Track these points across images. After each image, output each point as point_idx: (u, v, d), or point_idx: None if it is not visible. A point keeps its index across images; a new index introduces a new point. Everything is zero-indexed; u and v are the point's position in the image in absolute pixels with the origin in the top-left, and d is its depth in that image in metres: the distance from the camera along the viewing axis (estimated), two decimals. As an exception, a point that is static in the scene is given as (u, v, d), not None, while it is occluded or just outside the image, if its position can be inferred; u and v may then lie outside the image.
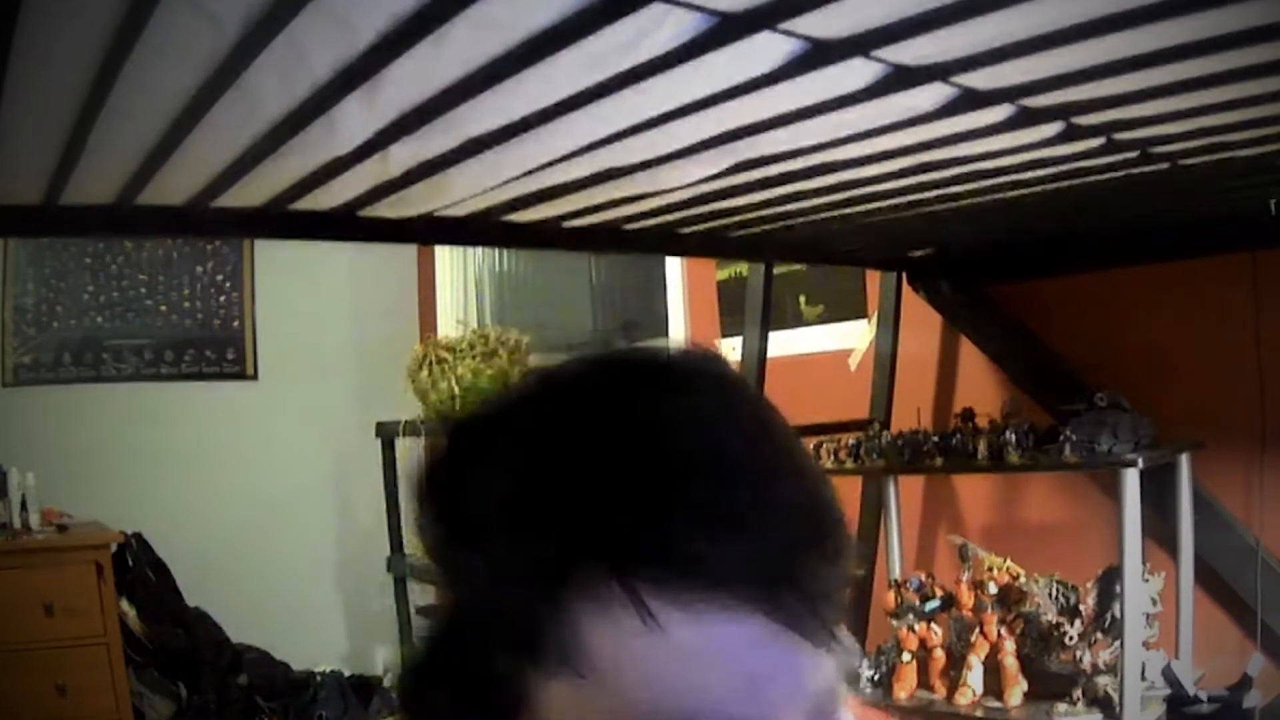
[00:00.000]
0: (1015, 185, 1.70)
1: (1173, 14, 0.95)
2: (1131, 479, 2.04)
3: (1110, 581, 2.17)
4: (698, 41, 0.96)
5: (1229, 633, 2.37)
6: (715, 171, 1.49)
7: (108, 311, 4.15)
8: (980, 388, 2.75)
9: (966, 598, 2.31)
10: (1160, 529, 2.34)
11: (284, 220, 1.62)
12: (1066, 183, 1.69)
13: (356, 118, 1.13)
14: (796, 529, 0.46)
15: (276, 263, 4.37)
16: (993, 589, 2.28)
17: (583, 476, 0.46)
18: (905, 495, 2.79)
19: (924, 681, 2.36)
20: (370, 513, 4.14)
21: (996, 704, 2.24)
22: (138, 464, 4.02)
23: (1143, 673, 2.14)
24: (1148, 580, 2.21)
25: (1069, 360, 2.61)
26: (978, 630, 2.27)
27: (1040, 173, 1.61)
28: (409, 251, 4.63)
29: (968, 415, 2.43)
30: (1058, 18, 0.95)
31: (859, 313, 3.08)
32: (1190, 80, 1.15)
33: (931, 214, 1.92)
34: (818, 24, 0.94)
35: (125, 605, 3.57)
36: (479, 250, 4.54)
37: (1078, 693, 2.16)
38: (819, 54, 1.01)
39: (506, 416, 0.51)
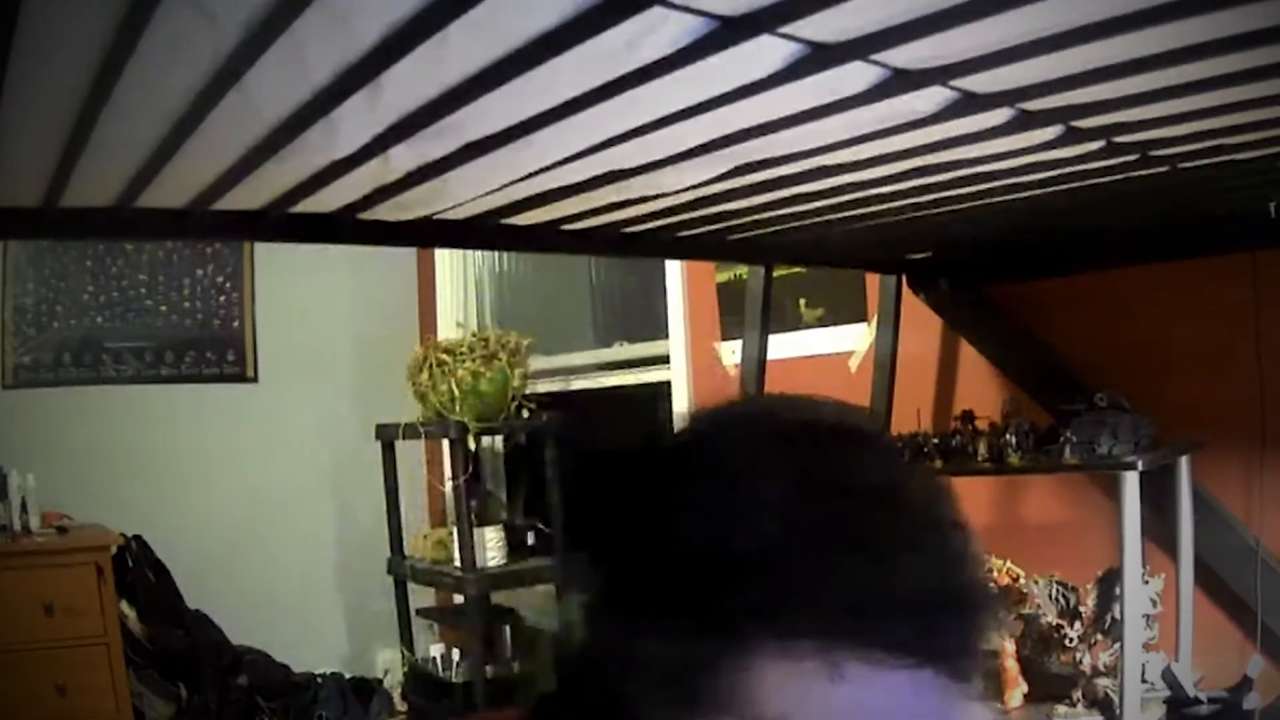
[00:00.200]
0: (1015, 188, 1.70)
1: (1172, 17, 0.95)
2: (1131, 480, 2.04)
3: (1110, 583, 2.17)
4: (697, 45, 0.96)
5: (1229, 634, 2.37)
6: (715, 174, 1.49)
7: (108, 312, 4.15)
8: (980, 389, 2.75)
9: (967, 599, 2.30)
10: (1160, 530, 2.34)
11: (285, 223, 1.62)
12: (1066, 185, 1.69)
13: (357, 120, 1.13)
14: (958, 585, 0.50)
15: (276, 264, 4.38)
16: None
17: (770, 534, 0.47)
18: (905, 496, 2.78)
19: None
20: (370, 514, 4.14)
21: (997, 705, 2.24)
22: (138, 465, 4.02)
23: (1143, 674, 2.14)
24: (1148, 581, 2.21)
25: (1069, 360, 2.62)
26: (978, 631, 2.27)
27: (1040, 175, 1.61)
28: (409, 253, 4.64)
29: (968, 417, 2.43)
30: (1057, 21, 0.95)
31: (859, 315, 3.08)
32: (1190, 83, 1.16)
33: (931, 217, 1.92)
34: (817, 27, 0.94)
35: (125, 606, 3.58)
36: (479, 252, 4.54)
37: (1078, 694, 2.16)
38: (818, 57, 1.01)
39: (684, 464, 0.52)
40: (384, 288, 4.65)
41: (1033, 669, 2.25)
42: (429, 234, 1.79)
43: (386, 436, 3.96)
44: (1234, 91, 1.20)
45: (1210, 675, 2.25)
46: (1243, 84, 1.17)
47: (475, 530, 3.67)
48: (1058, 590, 2.26)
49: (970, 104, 1.19)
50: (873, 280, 2.96)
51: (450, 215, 1.69)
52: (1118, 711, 2.07)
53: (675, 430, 0.55)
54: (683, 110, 1.17)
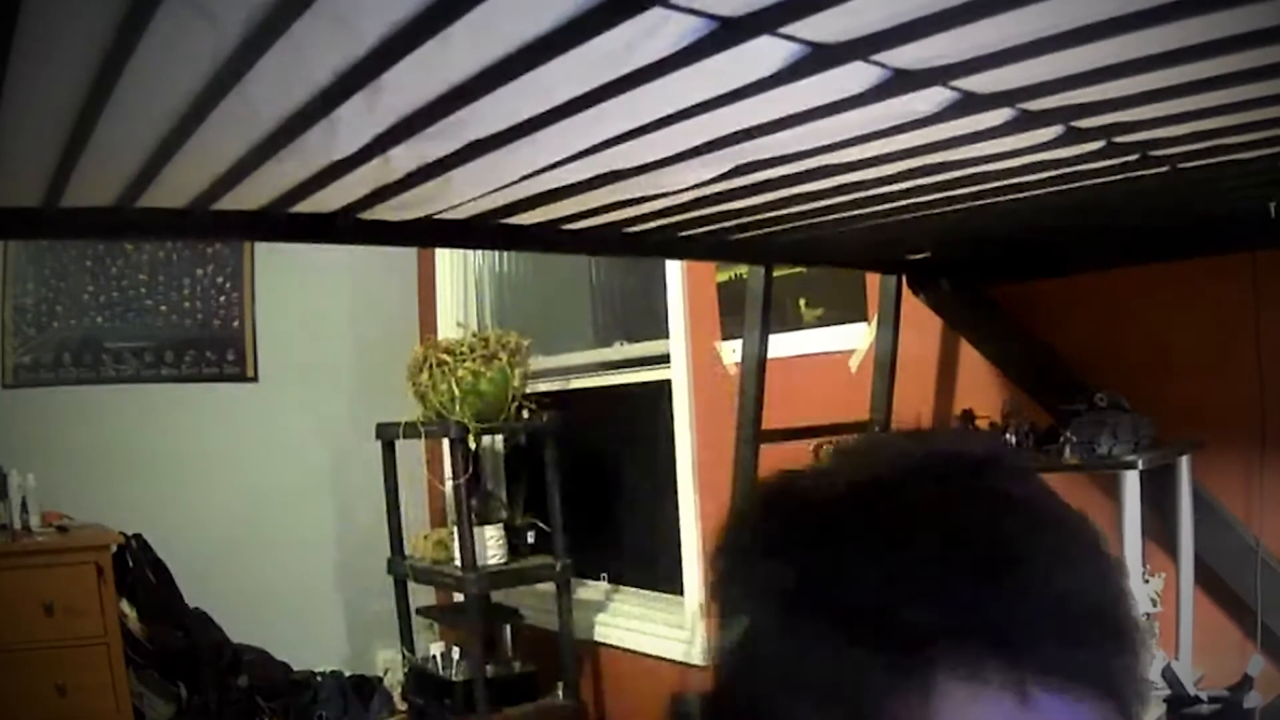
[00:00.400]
0: (1015, 188, 1.70)
1: (1172, 17, 0.95)
2: (1131, 480, 2.04)
3: (1110, 583, 2.16)
4: (697, 45, 0.96)
5: (1229, 633, 2.37)
6: (715, 175, 1.49)
7: (108, 312, 4.15)
8: (980, 389, 2.75)
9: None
10: (1160, 530, 2.34)
11: (285, 223, 1.62)
12: (1066, 185, 1.69)
13: (357, 120, 1.13)
14: (1131, 622, 0.52)
15: (276, 264, 4.38)
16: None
17: (958, 565, 0.49)
18: (905, 496, 2.78)
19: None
20: (370, 513, 4.14)
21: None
22: (138, 465, 4.02)
23: (1143, 674, 2.14)
24: (1148, 581, 2.21)
25: (1069, 360, 2.61)
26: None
27: (1040, 175, 1.61)
28: (409, 253, 4.64)
29: (968, 417, 2.43)
30: (1058, 21, 0.95)
31: (859, 315, 3.08)
32: (1190, 83, 1.16)
33: (931, 217, 1.92)
34: (817, 28, 0.94)
35: (125, 606, 3.58)
36: (479, 252, 4.54)
37: (1078, 694, 2.16)
38: (818, 58, 1.01)
39: (860, 498, 0.53)
40: (384, 288, 4.66)
41: (1033, 669, 2.25)
42: (429, 234, 1.79)
43: (387, 436, 3.97)
44: (1234, 91, 1.20)
45: (1210, 674, 2.25)
46: (1243, 84, 1.17)
47: (475, 529, 3.67)
48: (1058, 590, 2.26)
49: (970, 104, 1.19)
50: (873, 280, 2.96)
51: (450, 215, 1.69)
52: (1118, 711, 2.07)
53: (833, 467, 0.56)
54: (683, 110, 1.17)
